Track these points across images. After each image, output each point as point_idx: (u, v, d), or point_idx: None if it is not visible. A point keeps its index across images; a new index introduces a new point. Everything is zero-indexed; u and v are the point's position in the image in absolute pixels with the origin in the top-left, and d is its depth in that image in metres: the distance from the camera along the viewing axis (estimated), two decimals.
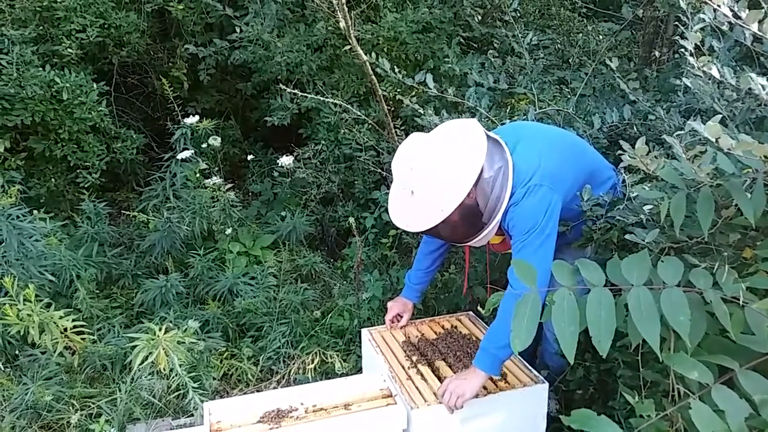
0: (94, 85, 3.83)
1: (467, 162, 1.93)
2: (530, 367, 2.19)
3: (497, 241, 2.27)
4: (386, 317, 2.55)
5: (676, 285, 1.31)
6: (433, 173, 1.93)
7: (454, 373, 2.19)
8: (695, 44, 2.03)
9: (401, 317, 2.54)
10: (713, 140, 1.38)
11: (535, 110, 2.95)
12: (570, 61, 3.54)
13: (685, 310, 1.24)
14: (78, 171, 3.96)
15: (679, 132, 1.98)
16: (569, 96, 3.21)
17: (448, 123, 2.11)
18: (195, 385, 2.49)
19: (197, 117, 3.71)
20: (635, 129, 2.71)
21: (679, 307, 1.25)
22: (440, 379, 2.13)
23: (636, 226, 1.81)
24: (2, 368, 2.91)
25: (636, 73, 3.14)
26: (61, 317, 2.78)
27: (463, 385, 1.98)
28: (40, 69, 3.56)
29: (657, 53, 3.51)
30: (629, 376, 1.78)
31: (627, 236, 1.69)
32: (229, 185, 3.74)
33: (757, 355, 1.31)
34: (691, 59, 2.01)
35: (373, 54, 3.07)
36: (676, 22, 2.88)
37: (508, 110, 3.45)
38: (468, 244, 2.13)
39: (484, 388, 2.06)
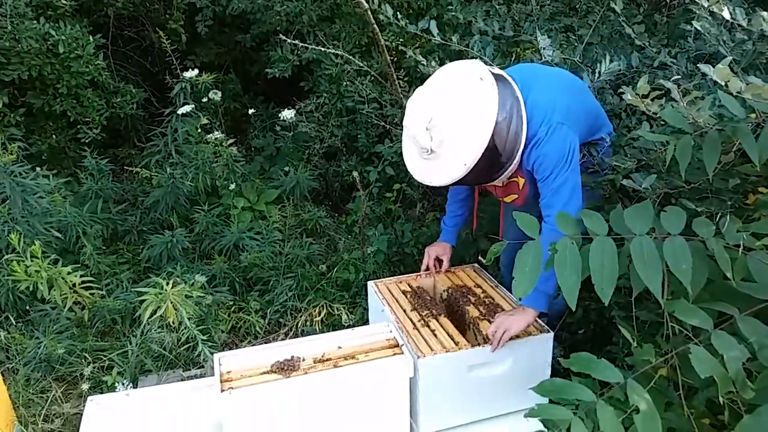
0: (90, 38, 3.76)
1: (482, 111, 1.90)
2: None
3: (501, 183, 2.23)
4: (424, 262, 2.55)
5: (678, 234, 1.31)
6: (451, 131, 1.92)
7: (458, 326, 2.23)
8: None
9: (440, 262, 2.56)
10: (722, 84, 1.35)
11: (541, 59, 2.88)
12: (577, 7, 3.43)
13: (687, 258, 1.24)
14: (78, 127, 3.94)
15: (683, 78, 1.94)
16: (576, 44, 3.13)
17: (451, 67, 2.06)
18: (204, 337, 2.53)
19: (196, 71, 3.65)
20: (646, 76, 2.65)
21: (682, 255, 1.25)
22: (445, 330, 2.16)
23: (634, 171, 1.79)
24: (14, 323, 2.98)
25: (644, 18, 3.04)
26: (69, 273, 2.82)
27: (509, 320, 2.03)
28: (35, 22, 3.49)
29: None
30: (623, 316, 1.80)
31: (624, 181, 1.68)
32: (231, 140, 3.72)
33: (757, 301, 1.32)
34: (700, 1, 1.94)
35: (376, 1, 2.99)
36: None
37: (513, 59, 3.37)
38: (492, 183, 2.16)
39: (486, 339, 2.09)
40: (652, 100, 1.55)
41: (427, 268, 2.56)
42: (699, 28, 2.17)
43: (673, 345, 1.44)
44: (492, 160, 1.97)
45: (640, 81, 1.52)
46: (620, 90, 1.69)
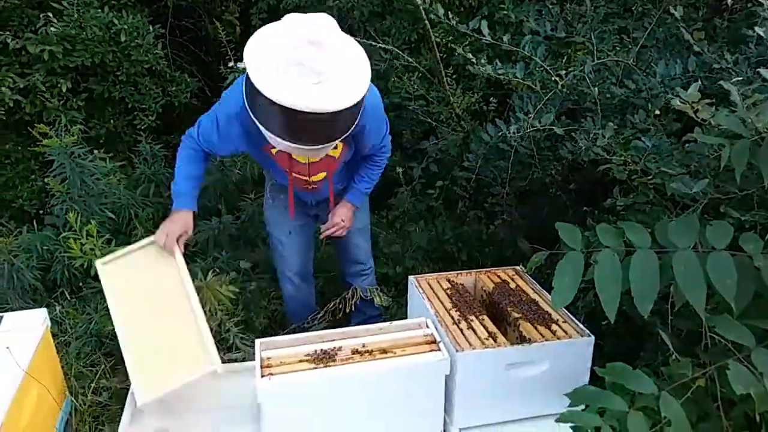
0: (150, 28, 3.90)
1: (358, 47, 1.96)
2: (576, 321, 2.21)
3: (315, 160, 2.28)
4: (168, 241, 2.24)
5: (723, 248, 1.29)
6: (350, 50, 1.90)
7: (498, 325, 2.23)
8: None
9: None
10: None
11: (593, 61, 2.84)
12: (632, 9, 3.36)
13: (732, 274, 1.22)
14: (135, 113, 4.09)
15: (743, 84, 1.88)
16: (630, 46, 3.07)
17: (305, 17, 1.93)
18: (243, 327, 2.61)
19: None
20: (699, 81, 2.58)
21: (726, 270, 1.23)
22: (485, 328, 2.17)
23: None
24: (68, 298, 3.13)
25: (704, 23, 2.96)
26: None
27: (341, 215, 2.50)
28: (99, 10, 3.64)
29: (729, 1, 3.28)
30: (661, 323, 1.77)
31: (674, 184, 1.65)
32: None
33: None
34: (764, 2, 1.88)
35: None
36: None
37: (564, 60, 3.33)
38: (322, 147, 1.95)
39: (527, 340, 2.10)
40: (702, 107, 1.52)
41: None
42: (762, 34, 2.10)
43: (712, 357, 1.42)
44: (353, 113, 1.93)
45: (691, 88, 1.50)
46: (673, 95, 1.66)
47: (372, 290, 2.79)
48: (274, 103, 1.73)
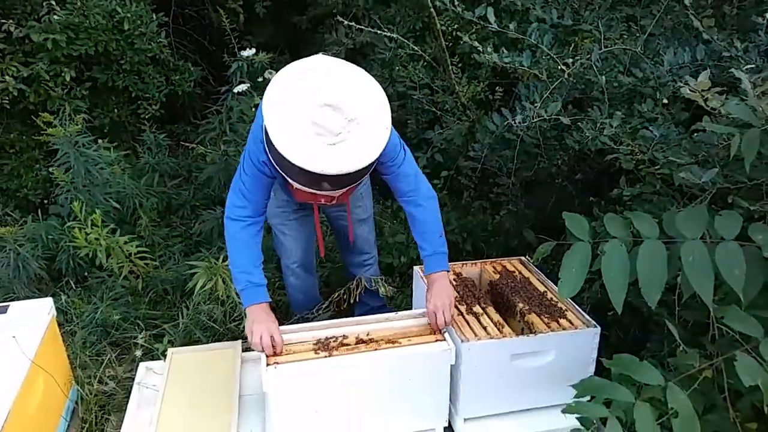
0: (154, 16, 3.88)
1: (376, 85, 1.89)
2: (581, 311, 2.20)
3: None
4: (264, 345, 1.98)
5: (732, 239, 1.27)
6: (363, 105, 1.82)
7: (503, 316, 2.23)
8: None
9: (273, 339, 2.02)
10: None
11: (600, 49, 2.81)
12: None
13: (740, 264, 1.21)
14: (139, 102, 4.08)
15: (753, 72, 1.86)
16: (638, 34, 3.03)
17: (314, 60, 1.89)
18: None
19: (253, 50, 3.71)
20: (708, 70, 2.55)
21: (735, 261, 1.22)
22: (490, 318, 2.17)
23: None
24: (74, 287, 3.14)
25: (713, 11, 2.91)
26: (126, 242, 2.94)
27: (443, 296, 2.11)
28: None
29: None
30: (668, 314, 1.76)
31: (683, 173, 1.63)
32: None
33: None
34: None
35: None
36: None
37: (571, 48, 3.29)
38: (343, 191, 1.97)
39: (532, 331, 2.09)
40: (712, 95, 1.50)
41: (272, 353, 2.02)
42: None
43: (719, 348, 1.41)
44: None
45: (701, 76, 1.48)
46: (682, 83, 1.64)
47: (376, 280, 2.79)
48: (293, 163, 1.74)
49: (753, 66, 2.27)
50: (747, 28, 2.92)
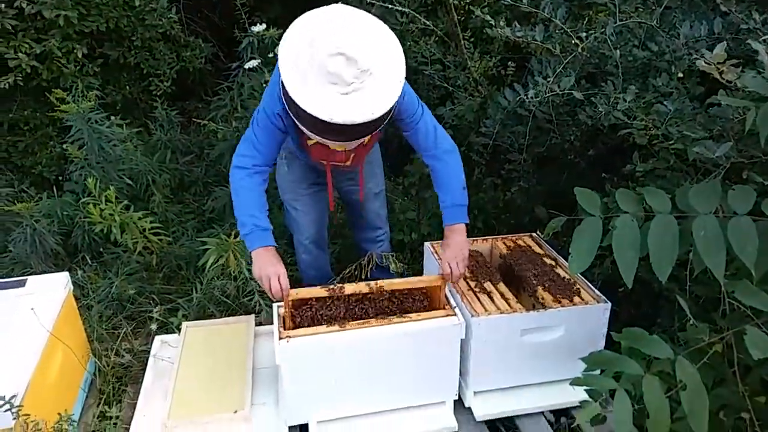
0: None
1: (391, 34, 1.88)
2: (592, 287, 2.21)
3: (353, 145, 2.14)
4: (273, 289, 2.01)
5: (745, 214, 1.26)
6: (377, 54, 1.81)
7: (514, 291, 2.24)
8: None
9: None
10: None
11: (615, 23, 2.76)
12: None
13: (753, 239, 1.21)
14: (150, 79, 4.08)
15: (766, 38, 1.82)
16: (654, 7, 2.97)
17: (321, 12, 1.90)
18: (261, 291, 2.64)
19: (264, 25, 3.69)
20: (725, 43, 2.51)
21: (747, 236, 1.21)
22: (501, 294, 2.19)
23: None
24: (90, 263, 3.19)
25: None
26: (140, 218, 2.98)
27: (458, 247, 2.16)
28: None
29: None
30: (679, 289, 1.76)
31: (696, 148, 1.61)
32: None
33: None
34: None
35: None
36: None
37: (585, 22, 3.24)
38: (358, 142, 2.02)
39: (543, 306, 2.10)
40: (728, 68, 1.48)
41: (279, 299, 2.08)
42: None
43: (730, 322, 1.41)
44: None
45: (717, 48, 1.45)
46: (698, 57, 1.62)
47: (387, 256, 2.80)
48: (305, 111, 1.75)
49: None
50: (766, 0, 2.86)
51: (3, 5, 3.31)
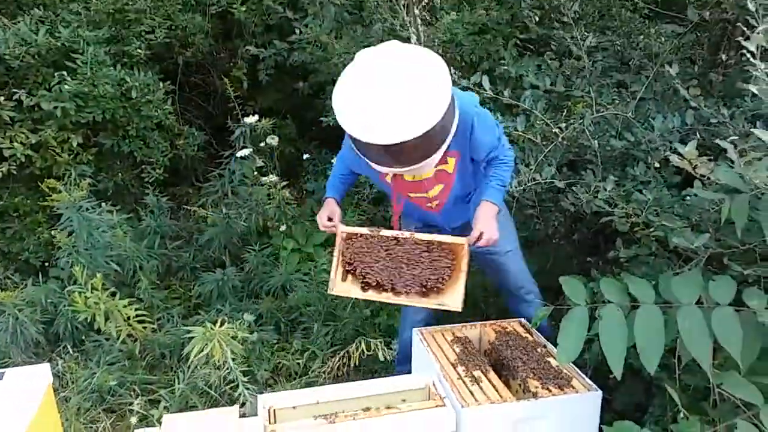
0: (161, 84, 4.01)
1: (439, 65, 1.96)
2: (583, 375, 2.18)
3: (430, 174, 2.30)
4: (323, 224, 2.46)
5: (727, 304, 1.28)
6: (423, 78, 1.90)
7: (504, 379, 2.20)
8: (764, 47, 1.95)
9: (331, 220, 2.48)
10: None
11: (593, 114, 2.89)
12: (630, 63, 3.44)
13: (737, 330, 1.22)
14: (143, 166, 4.16)
15: (740, 137, 1.91)
16: (628, 100, 3.13)
17: (374, 52, 2.01)
18: (245, 379, 2.58)
19: (257, 116, 3.82)
20: (698, 135, 2.63)
21: (731, 327, 1.23)
22: (491, 382, 2.15)
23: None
24: (71, 352, 3.11)
25: (700, 78, 3.02)
26: (125, 306, 2.94)
27: (486, 223, 2.21)
28: (112, 68, 3.76)
29: (724, 56, 3.37)
30: (668, 378, 1.74)
31: (675, 239, 1.66)
32: (285, 183, 3.84)
33: None
34: (756, 62, 1.93)
35: None
36: (745, 25, 2.78)
37: (564, 113, 3.39)
38: (416, 167, 2.04)
39: (534, 395, 2.06)
40: (701, 163, 1.55)
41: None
42: (755, 91, 2.14)
43: (721, 414, 1.39)
44: (438, 134, 1.95)
45: (689, 145, 1.53)
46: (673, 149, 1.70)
47: (376, 345, 2.79)
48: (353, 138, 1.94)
49: (740, 131, 2.34)
50: (733, 94, 3.02)
51: (2, 98, 3.42)
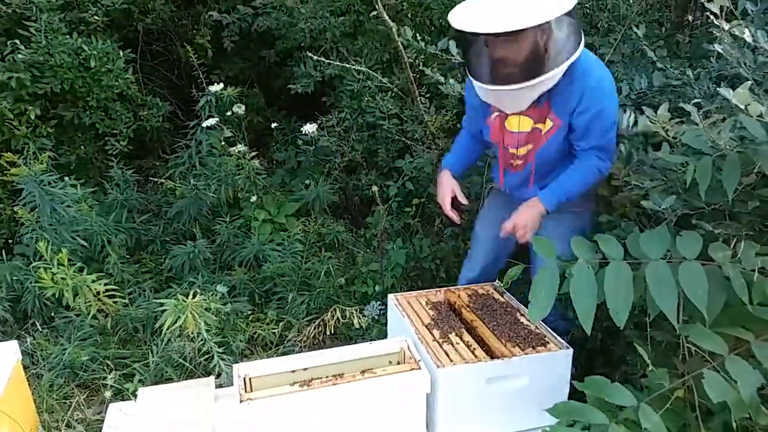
0: (121, 53, 3.87)
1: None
2: (554, 334, 2.22)
3: (527, 128, 2.27)
4: (441, 201, 2.48)
5: (694, 258, 1.31)
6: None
7: (478, 339, 2.24)
8: (729, 8, 1.97)
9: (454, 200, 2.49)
10: (742, 107, 1.36)
11: None
12: (599, 26, 3.44)
13: (703, 283, 1.25)
14: (106, 138, 4.04)
15: (706, 98, 1.94)
16: None
17: None
18: (220, 349, 2.58)
19: (222, 85, 3.73)
20: (665, 96, 2.65)
21: (698, 280, 1.26)
22: (466, 344, 2.18)
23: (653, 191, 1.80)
24: (40, 329, 3.05)
25: (667, 39, 3.04)
26: (93, 281, 2.89)
27: (526, 217, 2.23)
28: (68, 36, 3.61)
29: (690, 17, 3.40)
30: (639, 335, 1.80)
31: (644, 202, 1.69)
32: (254, 153, 3.78)
33: None
34: (720, 22, 1.94)
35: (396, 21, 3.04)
36: None
37: None
38: (516, 87, 2.08)
39: (507, 354, 2.10)
40: (671, 126, 1.56)
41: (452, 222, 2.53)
42: (720, 50, 2.17)
43: (689, 367, 1.44)
44: (540, 53, 2.00)
45: (660, 108, 1.54)
46: (641, 110, 1.71)
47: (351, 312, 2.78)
48: (457, 32, 2.01)
49: (704, 94, 2.37)
50: (699, 55, 3.05)
51: None
